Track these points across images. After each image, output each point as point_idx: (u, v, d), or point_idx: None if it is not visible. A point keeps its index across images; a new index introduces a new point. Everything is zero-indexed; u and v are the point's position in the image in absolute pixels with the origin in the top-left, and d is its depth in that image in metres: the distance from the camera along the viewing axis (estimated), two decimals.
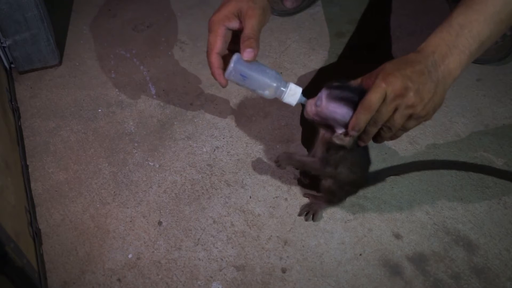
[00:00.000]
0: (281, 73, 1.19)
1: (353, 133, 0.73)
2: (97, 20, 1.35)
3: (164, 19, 1.35)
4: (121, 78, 1.20)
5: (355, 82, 0.76)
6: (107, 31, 1.32)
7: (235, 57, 0.77)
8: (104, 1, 1.41)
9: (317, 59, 1.23)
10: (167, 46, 1.28)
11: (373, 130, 0.74)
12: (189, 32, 1.31)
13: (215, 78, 0.81)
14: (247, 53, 0.75)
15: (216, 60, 0.79)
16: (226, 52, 0.81)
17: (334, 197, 0.89)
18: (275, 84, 0.78)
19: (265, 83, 0.78)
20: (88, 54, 1.26)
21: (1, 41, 1.13)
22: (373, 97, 0.69)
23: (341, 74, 0.77)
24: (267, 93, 0.79)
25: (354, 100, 0.72)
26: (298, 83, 1.16)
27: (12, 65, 1.20)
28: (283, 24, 1.32)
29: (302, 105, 0.81)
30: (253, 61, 0.77)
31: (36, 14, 1.11)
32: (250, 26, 0.75)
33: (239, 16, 0.78)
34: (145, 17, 1.36)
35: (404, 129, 0.75)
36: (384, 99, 0.69)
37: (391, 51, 1.23)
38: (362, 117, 0.71)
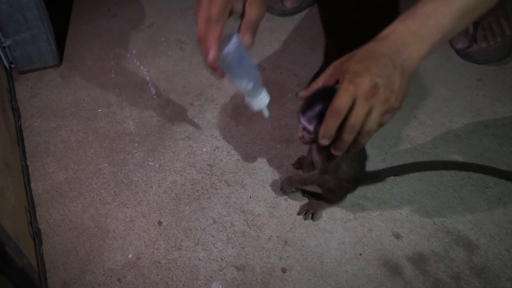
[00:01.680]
0: (281, 73, 1.19)
1: (325, 142, 0.70)
2: (97, 20, 1.35)
3: (164, 19, 1.35)
4: (121, 78, 1.20)
5: (322, 79, 0.72)
6: (107, 31, 1.32)
7: (237, 37, 0.69)
8: (104, 1, 1.41)
9: (317, 59, 1.23)
10: (167, 46, 1.28)
11: (350, 137, 0.71)
12: (189, 32, 1.31)
13: (208, 49, 0.68)
14: (249, 39, 0.69)
15: (219, 30, 0.67)
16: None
17: (334, 196, 0.89)
18: (259, 82, 0.73)
19: (254, 77, 0.72)
20: (88, 54, 1.26)
21: (1, 41, 1.13)
22: (341, 102, 0.66)
23: None
24: (250, 87, 0.73)
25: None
26: (298, 83, 1.17)
27: (12, 65, 1.20)
28: (283, 24, 1.32)
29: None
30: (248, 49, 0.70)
31: (36, 14, 1.11)
32: (255, 13, 0.70)
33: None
34: (145, 17, 1.36)
35: (381, 125, 0.72)
36: (355, 101, 0.67)
37: None
38: (331, 123, 0.68)
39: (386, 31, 0.70)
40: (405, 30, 0.68)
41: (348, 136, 0.70)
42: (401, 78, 0.68)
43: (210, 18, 0.67)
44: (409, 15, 0.69)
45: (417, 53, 0.69)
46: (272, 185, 0.98)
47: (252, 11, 0.71)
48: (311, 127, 0.72)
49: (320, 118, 0.70)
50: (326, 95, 0.70)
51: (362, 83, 0.65)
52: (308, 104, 0.72)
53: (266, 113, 0.79)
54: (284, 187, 0.93)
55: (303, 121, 0.73)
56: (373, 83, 0.66)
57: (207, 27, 0.67)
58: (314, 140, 0.75)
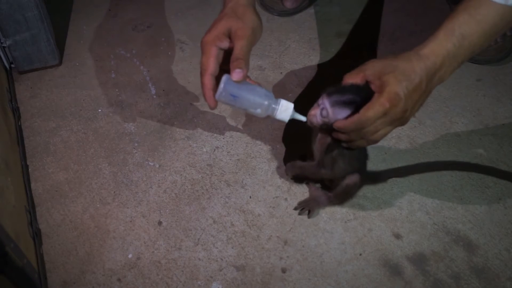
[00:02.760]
0: (281, 73, 1.19)
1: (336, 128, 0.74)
2: (97, 20, 1.36)
3: (164, 19, 1.35)
4: (121, 78, 1.20)
5: (355, 76, 0.74)
6: (107, 31, 1.32)
7: (224, 78, 0.76)
8: (104, 1, 1.41)
9: (317, 59, 1.23)
10: (167, 46, 1.28)
11: (355, 138, 0.74)
12: (189, 32, 1.31)
13: (206, 100, 0.79)
14: (236, 74, 0.74)
15: (209, 82, 0.77)
16: (218, 73, 0.80)
17: (350, 197, 0.91)
18: (266, 102, 0.77)
19: (256, 102, 0.77)
20: (88, 54, 1.26)
21: (1, 41, 1.13)
22: (373, 115, 0.69)
23: (341, 75, 0.77)
24: (259, 111, 0.78)
25: (359, 102, 0.72)
26: (298, 83, 1.17)
27: (12, 65, 1.20)
28: (283, 24, 1.32)
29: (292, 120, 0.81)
30: (243, 81, 0.75)
31: (36, 14, 1.11)
32: (239, 47, 0.75)
33: (230, 36, 0.77)
34: (145, 17, 1.36)
35: None
36: (381, 117, 0.70)
37: (391, 52, 1.23)
38: (354, 126, 0.71)
39: (427, 50, 0.72)
40: (445, 53, 0.71)
41: (354, 137, 0.74)
42: (423, 101, 0.73)
43: (201, 69, 0.78)
44: (448, 37, 0.71)
45: (449, 73, 0.73)
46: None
47: (236, 46, 0.75)
48: (330, 110, 0.73)
49: (343, 107, 0.72)
50: (359, 92, 0.72)
51: (398, 107, 0.69)
52: (339, 90, 0.74)
53: (300, 118, 0.80)
54: (287, 170, 0.95)
55: (326, 102, 0.74)
56: (405, 108, 0.70)
57: (201, 78, 0.78)
58: (323, 126, 0.76)
